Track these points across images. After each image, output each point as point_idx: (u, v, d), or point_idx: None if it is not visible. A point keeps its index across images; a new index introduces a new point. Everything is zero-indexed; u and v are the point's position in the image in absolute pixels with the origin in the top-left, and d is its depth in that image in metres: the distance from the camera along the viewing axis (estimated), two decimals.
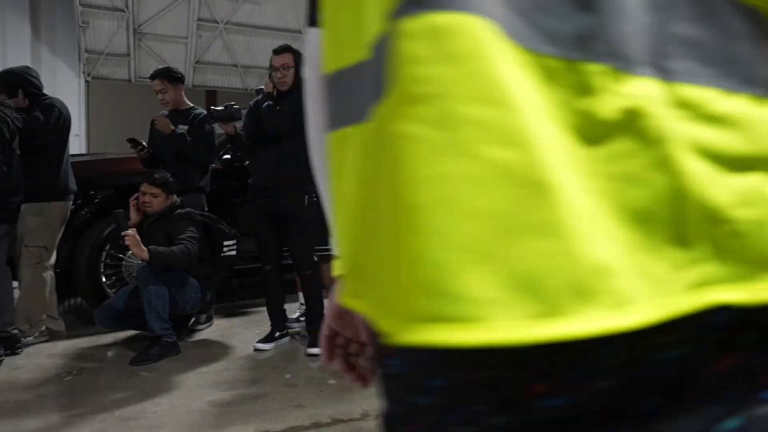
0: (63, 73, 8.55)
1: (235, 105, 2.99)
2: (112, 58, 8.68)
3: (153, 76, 3.50)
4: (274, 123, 2.92)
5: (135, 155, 3.65)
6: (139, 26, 8.42)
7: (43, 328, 3.27)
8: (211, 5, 8.48)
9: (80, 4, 7.92)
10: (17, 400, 2.43)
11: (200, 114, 3.51)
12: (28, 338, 3.19)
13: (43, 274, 3.25)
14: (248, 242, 3.56)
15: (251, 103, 3.17)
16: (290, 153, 2.97)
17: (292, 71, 2.97)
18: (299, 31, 9.18)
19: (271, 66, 3.01)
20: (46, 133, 3.17)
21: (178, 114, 3.55)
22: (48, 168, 3.23)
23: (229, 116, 2.95)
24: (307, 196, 3.03)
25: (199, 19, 8.55)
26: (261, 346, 3.13)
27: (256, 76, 9.60)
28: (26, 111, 3.15)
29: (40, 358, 3.01)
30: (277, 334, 3.21)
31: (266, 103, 2.97)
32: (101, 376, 2.74)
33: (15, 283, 3.29)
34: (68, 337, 3.38)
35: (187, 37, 8.74)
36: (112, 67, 8.80)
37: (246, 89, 9.60)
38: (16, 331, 3.12)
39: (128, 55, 8.68)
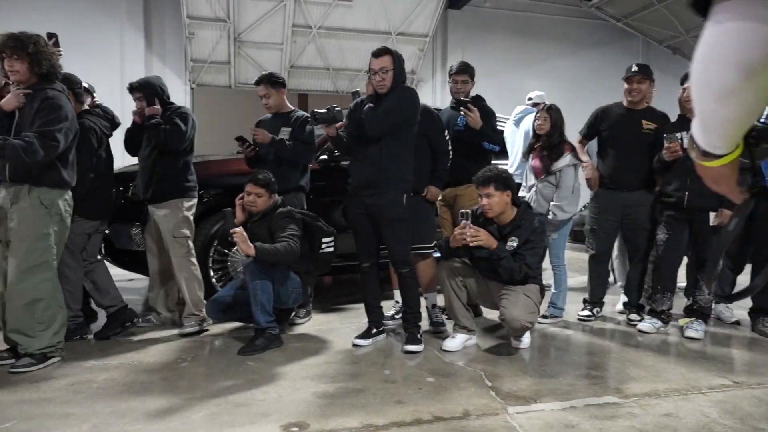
0: (171, 81, 9.19)
1: (336, 107, 3.07)
2: (214, 65, 9.23)
3: (258, 82, 3.68)
4: (374, 125, 2.98)
5: (240, 156, 3.86)
6: (239, 35, 8.89)
7: (203, 313, 3.53)
8: (305, 11, 8.78)
9: (187, 17, 8.50)
10: (142, 381, 2.65)
11: (301, 116, 3.67)
12: (196, 327, 3.47)
13: (192, 260, 3.54)
14: (345, 239, 3.66)
15: (351, 105, 3.25)
16: (389, 153, 3.02)
17: (390, 74, 3.01)
18: (389, 33, 9.30)
19: (369, 68, 3.06)
20: (185, 138, 3.47)
21: (281, 117, 3.72)
22: (184, 168, 3.54)
23: (331, 118, 3.04)
24: (405, 195, 3.07)
25: (293, 25, 8.89)
26: (359, 341, 3.20)
27: (346, 78, 9.84)
28: (163, 118, 3.43)
29: (159, 345, 3.27)
30: (374, 330, 3.27)
31: (367, 105, 3.03)
32: (213, 364, 2.92)
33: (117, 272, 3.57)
34: (181, 325, 3.62)
35: (282, 43, 9.11)
36: (215, 74, 9.35)
37: (337, 92, 9.86)
38: (149, 317, 3.60)
39: (229, 62, 9.18)
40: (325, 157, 4.34)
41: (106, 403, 2.37)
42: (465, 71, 3.76)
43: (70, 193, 3.03)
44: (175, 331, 3.50)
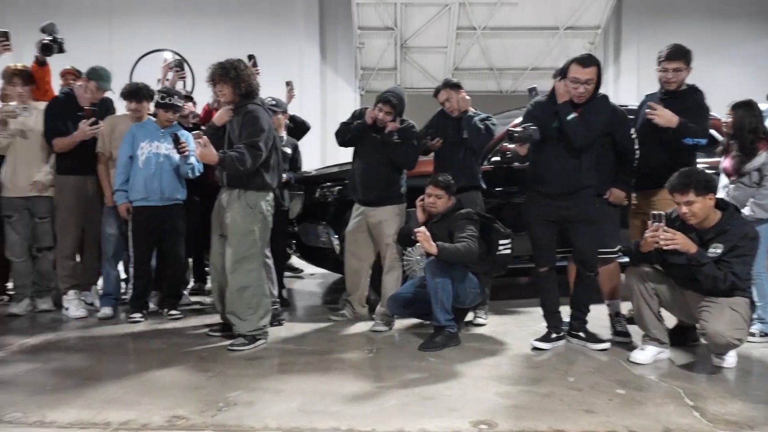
0: (342, 90, 9.89)
1: (533, 126, 3.01)
2: (381, 72, 9.70)
3: (437, 91, 3.78)
4: (581, 137, 2.92)
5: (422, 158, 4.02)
6: (405, 41, 9.23)
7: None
8: (470, 12, 8.82)
9: (358, 28, 9.04)
10: (336, 368, 2.89)
11: (478, 115, 3.70)
12: (386, 327, 3.62)
13: (400, 263, 3.78)
14: (519, 242, 3.62)
15: (531, 103, 3.20)
16: (587, 163, 2.99)
17: (593, 85, 2.93)
18: (556, 28, 8.96)
19: (563, 74, 2.97)
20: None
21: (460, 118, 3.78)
22: (402, 175, 3.76)
23: (527, 137, 2.99)
24: (598, 198, 2.97)
25: (458, 28, 8.98)
26: (539, 345, 3.15)
27: (510, 78, 9.68)
28: (399, 133, 3.61)
29: (347, 336, 3.54)
30: (554, 335, 3.19)
31: (572, 116, 2.94)
32: (396, 357, 3.08)
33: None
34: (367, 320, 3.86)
35: (446, 47, 9.26)
36: (382, 80, 9.80)
37: (501, 92, 9.75)
38: (343, 312, 3.87)
39: (395, 68, 9.58)
40: (497, 159, 4.32)
41: (308, 384, 2.63)
42: (678, 57, 3.26)
43: (272, 195, 3.42)
44: (360, 325, 3.74)
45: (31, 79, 3.99)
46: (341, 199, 4.23)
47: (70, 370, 2.85)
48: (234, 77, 3.21)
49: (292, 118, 4.57)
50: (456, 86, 3.76)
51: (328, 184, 4.37)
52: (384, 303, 3.68)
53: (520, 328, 3.66)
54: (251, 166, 3.15)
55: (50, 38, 3.95)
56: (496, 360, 3.02)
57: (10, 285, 4.27)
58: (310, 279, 5.80)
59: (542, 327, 3.32)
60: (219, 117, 3.34)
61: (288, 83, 4.74)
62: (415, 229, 3.19)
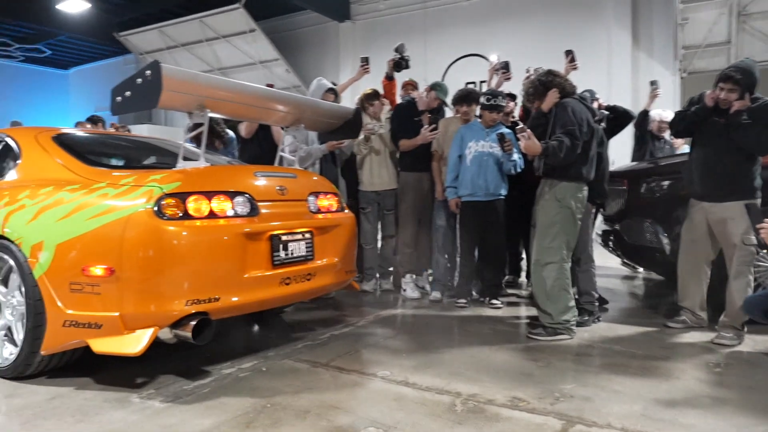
0: (657, 74, 8.89)
1: None
2: (709, 49, 8.41)
3: None
4: None
5: None
6: (743, 8, 7.82)
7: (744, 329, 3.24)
8: None
9: (681, 2, 8.02)
10: (677, 377, 2.65)
11: None
12: (734, 341, 3.17)
13: (752, 269, 3.23)
14: None
15: None
16: None
17: None
18: None
19: None
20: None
21: None
22: (753, 166, 3.20)
23: None
24: None
25: None
26: None
27: None
28: (749, 113, 3.11)
29: (683, 345, 3.23)
30: None
31: None
32: (753, 376, 2.67)
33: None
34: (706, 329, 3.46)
35: None
36: (709, 58, 8.50)
37: None
38: (683, 318, 3.50)
39: (728, 42, 8.20)
40: None
41: (647, 390, 2.48)
42: None
43: (585, 189, 3.35)
44: (696, 334, 3.38)
45: (379, 95, 4.71)
46: (672, 194, 3.84)
47: (417, 341, 3.30)
48: (542, 92, 3.46)
49: (613, 108, 4.35)
50: None
51: (656, 177, 4.02)
52: (729, 313, 3.22)
53: None
54: (570, 153, 3.21)
55: (399, 56, 4.61)
56: None
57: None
58: (628, 280, 5.46)
59: None
60: (547, 103, 3.46)
61: (652, 82, 4.80)
62: (758, 225, 2.70)
